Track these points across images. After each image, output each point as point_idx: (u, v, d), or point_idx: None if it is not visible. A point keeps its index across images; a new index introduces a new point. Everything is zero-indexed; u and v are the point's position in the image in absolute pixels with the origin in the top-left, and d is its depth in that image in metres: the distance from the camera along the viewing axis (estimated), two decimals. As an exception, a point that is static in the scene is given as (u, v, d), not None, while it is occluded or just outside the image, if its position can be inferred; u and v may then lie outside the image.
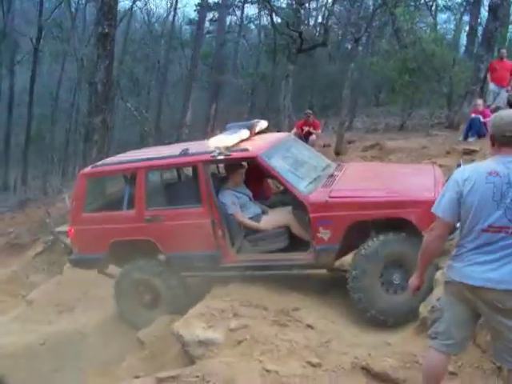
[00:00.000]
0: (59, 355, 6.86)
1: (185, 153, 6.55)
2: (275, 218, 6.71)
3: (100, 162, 7.40)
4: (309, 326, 5.40)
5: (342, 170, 7.02)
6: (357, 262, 5.88)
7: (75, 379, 6.33)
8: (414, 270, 3.69)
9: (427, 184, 6.15)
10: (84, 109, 24.27)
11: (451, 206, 3.29)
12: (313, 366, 4.61)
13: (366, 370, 4.52)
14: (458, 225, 3.42)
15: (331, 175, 6.72)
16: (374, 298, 5.79)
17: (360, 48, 25.32)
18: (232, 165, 6.82)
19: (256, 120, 7.76)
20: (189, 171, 7.67)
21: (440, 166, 7.47)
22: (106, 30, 13.48)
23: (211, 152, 6.37)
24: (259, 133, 7.47)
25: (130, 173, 6.97)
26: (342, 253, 6.32)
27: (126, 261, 6.97)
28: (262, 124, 7.61)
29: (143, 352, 6.19)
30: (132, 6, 28.42)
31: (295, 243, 6.47)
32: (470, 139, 12.66)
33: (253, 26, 35.00)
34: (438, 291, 4.85)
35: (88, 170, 7.17)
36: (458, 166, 6.35)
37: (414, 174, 7.02)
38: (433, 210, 3.40)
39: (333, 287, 6.62)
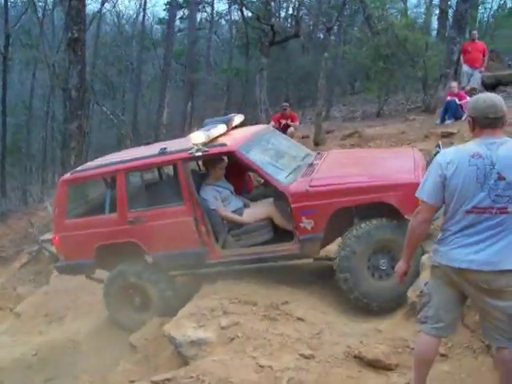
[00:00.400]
0: (53, 365, 6.84)
1: (163, 152, 6.54)
2: (257, 211, 6.73)
3: (79, 168, 7.36)
4: (299, 319, 5.42)
5: (321, 158, 7.05)
6: (347, 242, 5.90)
7: (70, 387, 6.31)
8: (400, 256, 3.72)
9: (407, 167, 6.20)
10: (59, 116, 24.08)
11: (435, 189, 3.32)
12: (306, 358, 4.63)
13: (359, 358, 4.56)
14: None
15: (311, 164, 6.74)
16: (360, 281, 5.84)
17: (332, 37, 25.30)
18: (211, 160, 6.80)
19: (232, 114, 7.76)
20: (169, 170, 7.65)
21: (419, 150, 7.50)
22: (76, 35, 13.38)
23: (189, 149, 6.36)
24: (237, 127, 7.48)
25: (109, 176, 6.96)
26: (327, 241, 6.37)
27: (113, 264, 6.93)
28: (239, 118, 7.61)
29: (136, 356, 6.18)
30: (101, 8, 28.11)
31: (279, 234, 6.49)
32: (447, 122, 12.78)
33: (224, 22, 34.91)
34: (425, 275, 4.89)
35: (68, 176, 7.12)
36: (437, 147, 6.40)
37: (394, 158, 7.07)
38: (417, 194, 3.42)
39: (320, 278, 6.67)
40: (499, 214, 3.18)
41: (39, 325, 8.43)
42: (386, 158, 7.22)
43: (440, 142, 7.27)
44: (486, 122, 3.25)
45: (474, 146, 3.29)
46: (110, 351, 6.69)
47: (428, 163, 3.75)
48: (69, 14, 13.94)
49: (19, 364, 6.86)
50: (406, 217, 5.35)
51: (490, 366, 4.11)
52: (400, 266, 3.64)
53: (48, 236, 9.25)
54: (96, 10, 27.47)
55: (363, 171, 6.33)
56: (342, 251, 5.92)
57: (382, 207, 5.83)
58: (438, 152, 5.22)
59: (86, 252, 6.79)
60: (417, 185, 3.53)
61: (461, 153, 3.29)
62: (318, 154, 7.45)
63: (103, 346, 6.92)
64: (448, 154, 3.35)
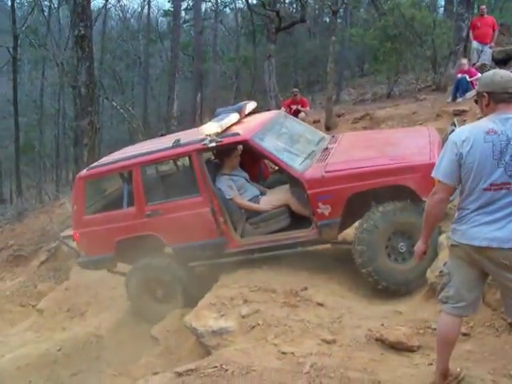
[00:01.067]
0: (76, 359, 6.91)
1: (177, 144, 6.54)
2: (274, 198, 6.73)
3: (95, 163, 7.39)
4: (319, 304, 5.43)
5: (336, 141, 7.01)
6: (371, 216, 5.88)
7: (95, 381, 6.38)
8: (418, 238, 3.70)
9: (423, 147, 6.14)
10: (70, 113, 24.16)
11: (451, 168, 3.30)
12: (328, 342, 4.64)
13: (381, 341, 4.55)
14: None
15: (326, 148, 6.72)
16: (376, 256, 5.85)
17: (339, 20, 25.14)
18: (225, 150, 6.78)
19: (244, 102, 7.74)
20: (185, 160, 7.65)
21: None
22: (83, 32, 13.37)
23: (203, 140, 6.36)
24: (249, 114, 7.45)
25: (125, 170, 6.99)
26: (345, 225, 6.37)
27: (134, 257, 7.00)
28: (251, 105, 7.59)
29: (158, 348, 6.24)
30: (105, 3, 28.19)
31: (297, 220, 6.48)
32: (459, 99, 12.67)
33: (229, 11, 34.83)
34: (444, 255, 4.88)
35: (84, 172, 7.15)
36: (453, 125, 6.35)
37: (409, 138, 6.98)
38: (433, 174, 3.40)
39: (338, 263, 6.65)
40: None
41: (62, 320, 8.51)
42: (400, 138, 7.13)
43: (455, 120, 7.19)
44: (503, 97, 3.23)
45: (488, 122, 3.26)
46: (132, 345, 6.75)
47: (443, 141, 3.73)
48: (74, 11, 13.94)
49: (45, 360, 6.92)
50: (423, 199, 5.33)
51: (513, 344, 4.10)
52: (419, 245, 3.63)
53: (68, 232, 9.29)
54: (101, 5, 27.55)
55: (378, 154, 6.27)
56: (365, 224, 5.90)
57: (399, 190, 5.80)
58: (453, 130, 5.18)
59: (107, 247, 6.86)
60: (433, 166, 3.48)
61: (476, 130, 3.26)
62: (333, 137, 7.42)
63: (125, 339, 6.99)
64: (463, 132, 3.32)
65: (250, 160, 7.25)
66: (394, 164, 5.87)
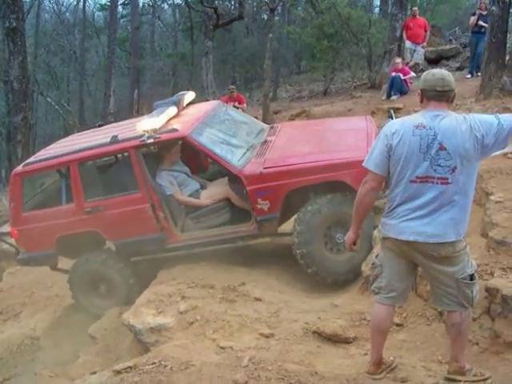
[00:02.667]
0: (11, 363, 6.74)
1: (114, 140, 6.46)
2: (214, 192, 6.74)
3: (31, 159, 7.19)
4: (257, 299, 5.48)
5: (274, 133, 7.04)
6: (302, 217, 5.98)
7: (32, 384, 6.25)
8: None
9: (360, 141, 6.25)
10: (1, 108, 23.42)
11: (382, 159, 3.41)
12: (266, 337, 4.70)
13: (318, 334, 4.66)
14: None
15: (264, 142, 6.75)
16: (316, 255, 5.97)
17: (276, 18, 25.34)
18: (165, 145, 6.74)
19: (182, 93, 7.68)
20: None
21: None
22: (14, 24, 13.06)
23: (141, 137, 6.31)
24: (188, 105, 7.42)
25: (63, 167, 6.89)
26: (285, 219, 6.44)
27: (76, 252, 6.94)
28: (189, 96, 7.55)
29: (96, 347, 6.15)
30: (39, -5, 27.42)
31: (238, 214, 6.52)
32: (393, 97, 13.02)
33: (167, 6, 34.43)
34: (378, 249, 5.01)
35: (20, 168, 6.97)
36: (390, 117, 6.50)
37: (347, 131, 7.02)
38: (364, 164, 3.50)
39: (275, 258, 6.73)
40: (440, 185, 3.28)
41: (-6, 323, 8.27)
42: (338, 131, 7.18)
43: (392, 111, 7.31)
44: (432, 94, 3.35)
45: (419, 117, 3.40)
46: (69, 344, 6.64)
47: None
48: (4, 2, 13.51)
49: (-24, 365, 6.74)
50: None
51: (443, 332, 4.26)
52: (349, 235, 3.71)
53: (6, 229, 9.00)
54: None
55: (316, 149, 6.35)
56: (298, 227, 6.00)
57: (336, 184, 5.89)
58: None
59: (47, 243, 6.75)
60: None
61: (406, 123, 3.39)
62: (272, 128, 7.46)
63: (62, 339, 6.86)
64: (394, 125, 3.45)
65: (190, 151, 7.19)
66: (331, 160, 5.96)
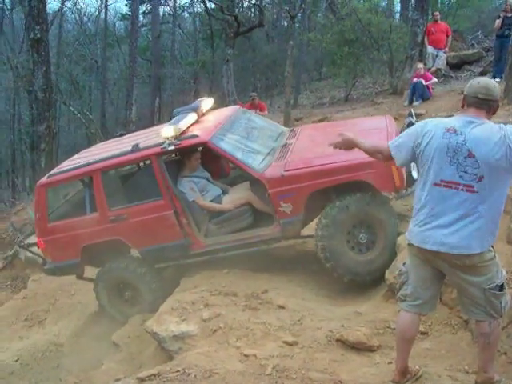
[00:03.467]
0: (36, 369, 6.81)
1: (136, 148, 6.51)
2: (236, 197, 6.75)
3: (55, 170, 7.27)
4: (280, 307, 5.45)
5: (295, 136, 7.03)
6: (329, 212, 5.95)
7: (56, 390, 6.29)
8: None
9: (380, 141, 6.18)
10: (26, 118, 23.71)
11: (403, 149, 3.49)
12: (289, 344, 4.67)
13: (341, 342, 4.61)
14: (415, 176, 3.55)
15: (285, 145, 6.73)
16: (337, 250, 5.96)
17: (297, 25, 25.32)
18: (186, 151, 6.78)
19: (200, 99, 7.70)
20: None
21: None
22: (38, 35, 13.21)
23: (161, 144, 6.35)
24: (207, 111, 7.43)
25: (86, 176, 6.96)
26: (308, 220, 6.42)
27: (101, 261, 7.00)
28: (208, 102, 7.57)
29: (120, 354, 6.19)
30: (61, 6, 27.73)
31: (260, 217, 6.52)
32: (415, 103, 12.93)
33: (187, 15, 34.66)
34: (402, 256, 4.97)
35: (45, 180, 7.04)
36: (410, 116, 6.45)
37: (367, 131, 6.85)
38: (389, 142, 3.60)
39: (298, 265, 6.70)
40: (465, 192, 3.24)
41: (20, 330, 8.34)
42: (359, 131, 6.97)
43: (412, 110, 7.22)
44: (473, 101, 3.33)
45: (453, 120, 3.39)
46: (93, 351, 6.68)
47: (402, 131, 3.88)
48: (30, 14, 13.71)
49: (1, 371, 6.79)
50: (382, 193, 5.46)
51: (469, 341, 4.22)
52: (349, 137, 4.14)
53: (32, 239, 9.09)
54: (57, 8, 27.08)
55: (337, 150, 6.29)
56: (324, 220, 5.97)
57: (359, 184, 5.86)
58: (411, 121, 5.30)
59: (73, 253, 6.82)
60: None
61: (439, 125, 3.38)
62: (292, 131, 7.45)
63: (86, 346, 6.91)
64: (428, 124, 3.44)
65: (211, 157, 7.20)
66: (352, 160, 5.88)
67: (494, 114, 3.38)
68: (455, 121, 3.35)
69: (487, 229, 3.28)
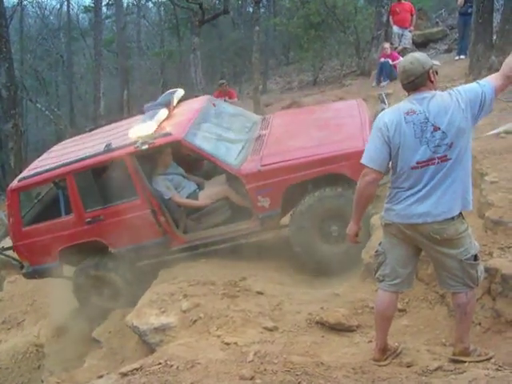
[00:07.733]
0: (17, 372, 6.75)
1: (108, 148, 6.40)
2: (213, 191, 6.72)
3: (25, 173, 7.08)
4: (259, 293, 5.49)
5: (267, 126, 7.01)
6: (299, 211, 6.03)
7: (39, 391, 6.25)
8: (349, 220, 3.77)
9: (355, 130, 6.22)
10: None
11: (379, 154, 3.42)
12: (270, 330, 4.71)
13: (321, 324, 4.67)
14: (390, 166, 3.54)
15: (259, 136, 6.72)
16: (312, 247, 6.06)
17: (262, 10, 25.23)
18: (157, 150, 6.69)
19: (171, 91, 7.62)
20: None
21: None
22: (-2, 31, 12.95)
23: (135, 143, 6.28)
24: (178, 102, 7.38)
25: (59, 179, 6.80)
26: (286, 212, 6.43)
27: (80, 260, 6.92)
28: (178, 94, 7.50)
29: (102, 350, 6.16)
30: (21, 0, 27.13)
31: (238, 210, 6.52)
32: (383, 83, 13.02)
33: (151, 4, 34.24)
34: (377, 236, 5.02)
35: (16, 184, 6.89)
36: (382, 103, 6.47)
37: (340, 119, 6.92)
38: (362, 161, 3.48)
39: (274, 251, 6.73)
40: (441, 163, 3.31)
41: (-2, 333, 8.27)
42: (332, 119, 7.05)
43: (383, 94, 7.25)
44: (407, 87, 3.42)
45: (407, 103, 3.41)
46: (74, 350, 6.65)
47: (374, 117, 3.86)
48: (-14, 9, 13.45)
49: (-19, 376, 6.74)
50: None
51: (445, 315, 4.30)
52: (350, 227, 3.71)
53: (7, 242, 8.96)
54: (16, 2, 26.47)
55: (312, 141, 6.29)
56: (294, 220, 6.02)
57: (335, 176, 5.89)
58: (383, 108, 5.31)
59: (50, 256, 6.75)
60: None
61: (396, 112, 3.41)
62: (264, 119, 7.43)
63: (66, 345, 6.87)
64: (385, 116, 3.46)
65: (183, 151, 7.16)
66: (328, 153, 5.92)
67: (433, 79, 3.39)
68: (409, 103, 3.39)
69: (464, 188, 3.37)
